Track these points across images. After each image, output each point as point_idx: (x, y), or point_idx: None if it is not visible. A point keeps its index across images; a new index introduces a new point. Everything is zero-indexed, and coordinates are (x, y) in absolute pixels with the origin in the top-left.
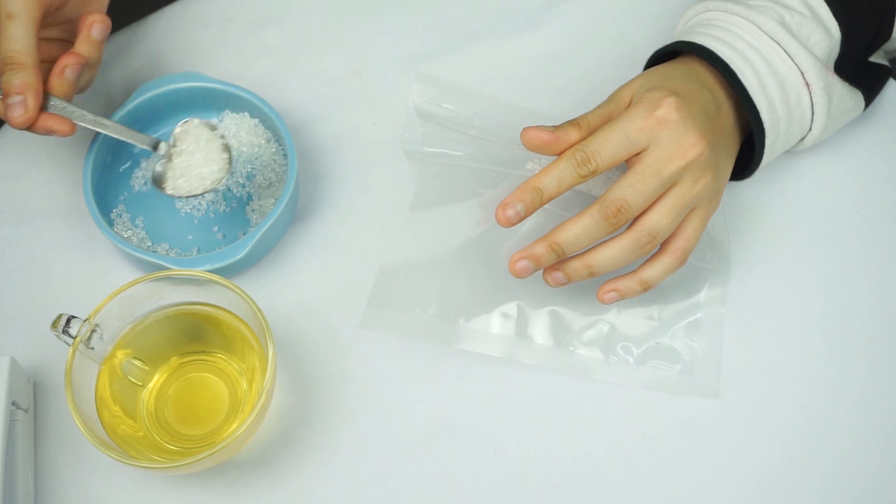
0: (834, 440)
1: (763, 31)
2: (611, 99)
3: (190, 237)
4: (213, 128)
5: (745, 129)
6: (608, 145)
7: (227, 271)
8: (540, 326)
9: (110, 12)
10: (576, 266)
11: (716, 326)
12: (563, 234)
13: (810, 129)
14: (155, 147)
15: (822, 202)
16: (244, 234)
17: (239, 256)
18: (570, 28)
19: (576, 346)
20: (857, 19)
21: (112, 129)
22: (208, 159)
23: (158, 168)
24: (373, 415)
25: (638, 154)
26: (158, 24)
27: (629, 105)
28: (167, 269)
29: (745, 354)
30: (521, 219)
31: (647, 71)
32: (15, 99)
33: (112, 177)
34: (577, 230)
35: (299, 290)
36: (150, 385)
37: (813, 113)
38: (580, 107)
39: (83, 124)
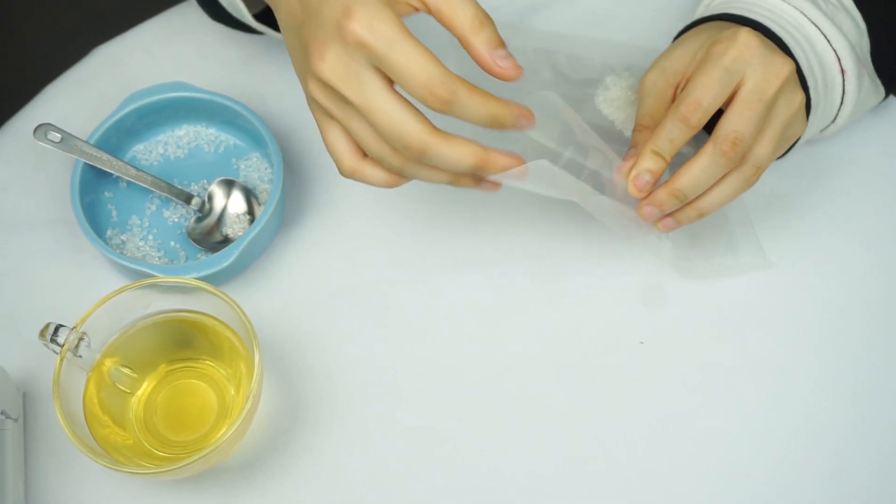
0: (836, 441)
1: (802, 13)
2: (648, 93)
3: (176, 245)
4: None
5: None
6: (709, 88)
7: (214, 279)
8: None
9: (102, 20)
10: (687, 212)
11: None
12: (683, 180)
13: (834, 120)
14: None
15: (823, 202)
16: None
17: (226, 264)
18: (559, 28)
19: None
20: (879, 13)
21: None
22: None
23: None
24: (360, 418)
25: (736, 88)
26: (146, 34)
27: (697, 64)
28: (154, 276)
29: (747, 353)
30: (651, 185)
31: (682, 38)
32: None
33: (101, 186)
34: (696, 172)
35: (286, 296)
36: (139, 392)
37: (842, 102)
38: None
39: None
